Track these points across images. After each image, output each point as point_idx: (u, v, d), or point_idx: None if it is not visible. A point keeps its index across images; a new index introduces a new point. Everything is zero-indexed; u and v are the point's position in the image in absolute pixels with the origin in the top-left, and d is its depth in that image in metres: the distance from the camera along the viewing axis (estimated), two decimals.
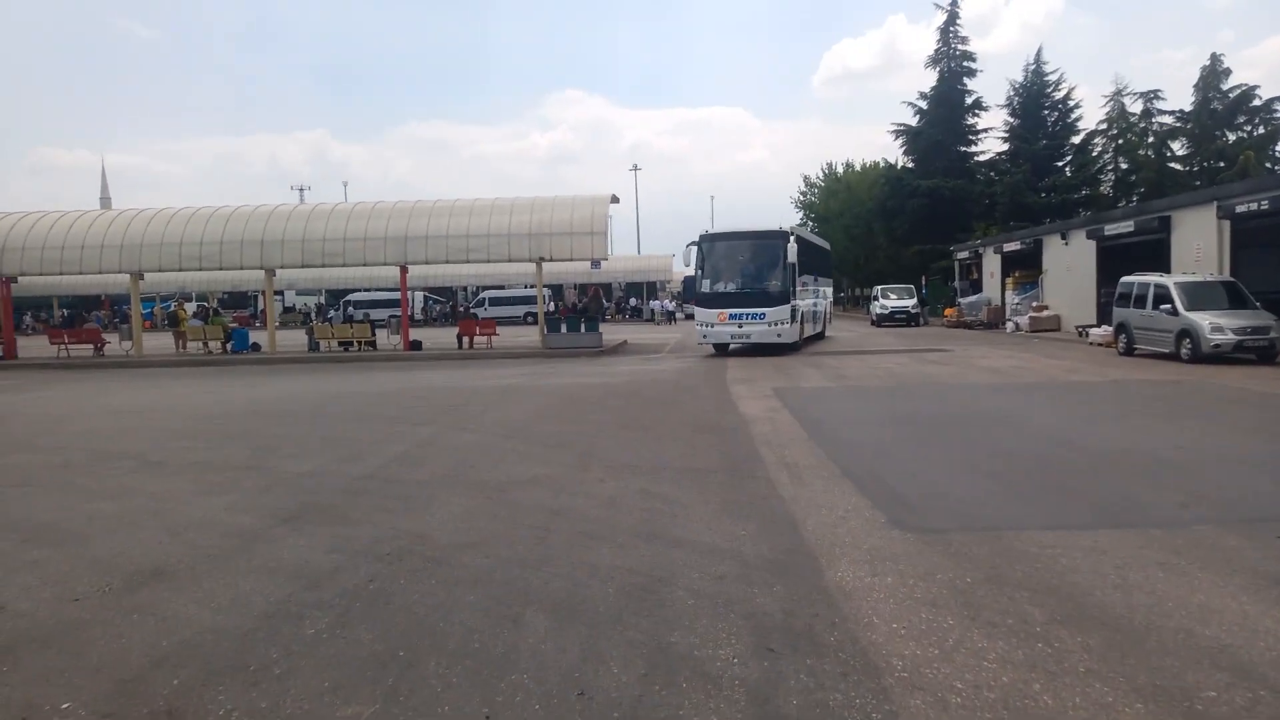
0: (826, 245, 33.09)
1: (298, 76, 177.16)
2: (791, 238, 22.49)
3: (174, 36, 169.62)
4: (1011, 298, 35.16)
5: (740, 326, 22.30)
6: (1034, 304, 32.21)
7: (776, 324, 22.13)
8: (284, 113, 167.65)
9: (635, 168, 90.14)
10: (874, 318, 40.19)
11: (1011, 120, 48.49)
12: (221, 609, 4.52)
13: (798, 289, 23.01)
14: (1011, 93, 48.17)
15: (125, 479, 8.15)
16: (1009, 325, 32.60)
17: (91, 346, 28.17)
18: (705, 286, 23.05)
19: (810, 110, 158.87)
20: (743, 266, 23.10)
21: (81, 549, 5.69)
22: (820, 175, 69.43)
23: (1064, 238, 30.85)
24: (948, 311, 38.60)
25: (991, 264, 38.06)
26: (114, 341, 29.59)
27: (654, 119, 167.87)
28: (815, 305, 27.38)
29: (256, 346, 27.74)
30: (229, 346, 27.55)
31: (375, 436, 10.54)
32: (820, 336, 28.42)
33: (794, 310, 22.61)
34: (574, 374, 18.34)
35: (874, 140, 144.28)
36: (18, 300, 32.75)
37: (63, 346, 27.99)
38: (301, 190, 68.18)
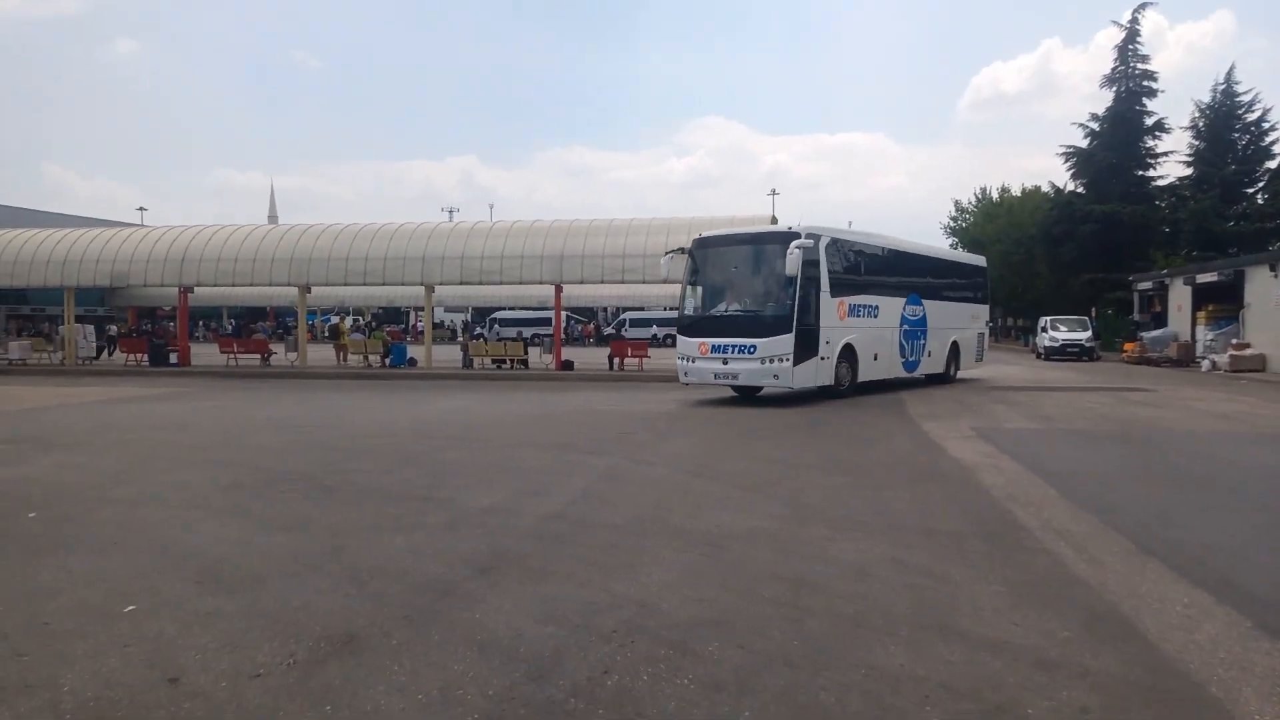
0: (977, 261, 25.47)
1: (451, 106, 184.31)
2: (798, 241, 15.60)
3: (341, 67, 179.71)
4: (1204, 333, 31.78)
5: (725, 363, 16.41)
6: (1233, 341, 28.93)
7: (772, 360, 15.86)
8: (437, 139, 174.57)
9: (774, 192, 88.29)
10: (1041, 351, 37.30)
11: (1196, 143, 44.43)
12: (431, 704, 3.60)
13: (819, 310, 16.39)
14: (1196, 114, 44.16)
15: (298, 506, 7.54)
16: (1204, 363, 29.40)
17: (259, 356, 29.07)
18: (688, 308, 17.45)
19: (953, 135, 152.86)
20: (733, 282, 17.08)
21: (259, 598, 4.96)
22: (973, 200, 66.19)
23: (1274, 270, 27.54)
24: (1127, 346, 35.32)
25: (1179, 296, 34.67)
26: (279, 352, 30.51)
27: (792, 145, 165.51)
28: (962, 332, 22.38)
29: (413, 361, 27.95)
30: (387, 360, 27.84)
31: (551, 466, 9.72)
32: (948, 375, 21.92)
33: (809, 340, 16.17)
34: (734, 402, 17.21)
35: (1024, 165, 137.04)
36: (191, 310, 34.35)
37: (232, 356, 28.99)
38: (451, 212, 70.11)
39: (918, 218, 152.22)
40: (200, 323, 56.09)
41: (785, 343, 15.97)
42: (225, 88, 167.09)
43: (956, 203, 67.95)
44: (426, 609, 4.77)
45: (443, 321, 59.69)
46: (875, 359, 18.46)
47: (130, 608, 4.75)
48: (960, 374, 22.90)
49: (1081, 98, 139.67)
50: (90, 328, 32.48)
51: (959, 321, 22.51)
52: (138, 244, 28.72)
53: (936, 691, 3.68)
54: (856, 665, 3.96)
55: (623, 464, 9.90)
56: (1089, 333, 36.38)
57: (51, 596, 4.98)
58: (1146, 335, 35.01)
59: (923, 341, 20.49)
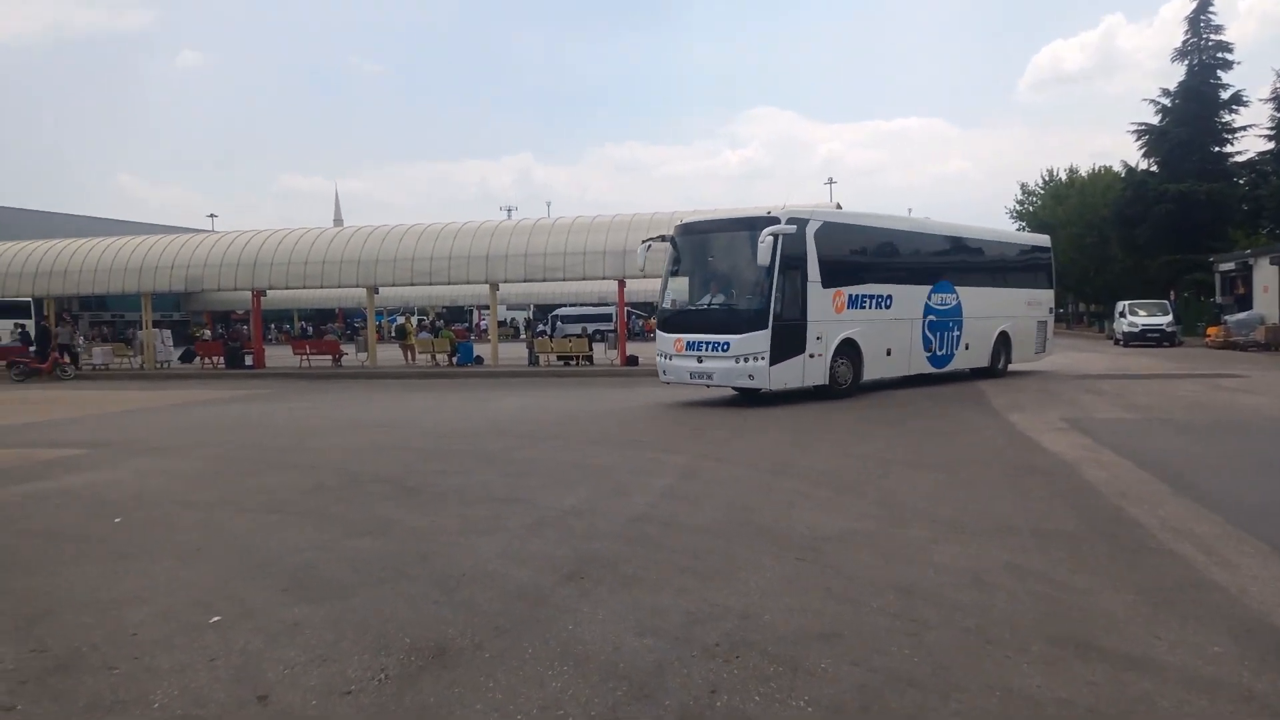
0: (1035, 241, 23.12)
1: (505, 106, 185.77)
2: (771, 228, 13.96)
3: (399, 71, 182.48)
4: None
5: (700, 361, 14.98)
6: None
7: (746, 358, 14.40)
8: (493, 139, 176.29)
9: (830, 181, 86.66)
10: (1119, 337, 35.83)
11: (1279, 114, 42.23)
12: None
13: (806, 303, 14.80)
14: (1279, 84, 41.94)
15: (381, 508, 7.44)
16: None
17: (330, 357, 29.50)
18: (667, 301, 16.13)
19: (1014, 117, 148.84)
20: (710, 273, 15.68)
21: (346, 607, 4.81)
22: (1040, 182, 64.13)
23: None
24: (1210, 331, 33.71)
25: (1266, 277, 33.00)
26: (350, 353, 30.90)
27: (847, 132, 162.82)
28: (1014, 321, 19.99)
29: (480, 359, 28.06)
30: (454, 359, 28.01)
31: (629, 464, 9.49)
32: (995, 368, 19.61)
33: (791, 336, 14.57)
34: (804, 397, 16.77)
35: (1090, 145, 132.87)
36: (263, 312, 35.06)
37: (304, 357, 29.46)
38: (510, 210, 70.31)
39: (981, 202, 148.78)
40: (272, 325, 57.34)
41: (760, 339, 14.35)
42: (288, 95, 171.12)
43: (1023, 185, 65.80)
44: (518, 618, 4.56)
45: (505, 319, 60.13)
46: (888, 354, 16.65)
47: (216, 618, 4.64)
48: (1017, 366, 20.55)
49: (1147, 74, 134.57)
50: (168, 332, 33.36)
51: (1010, 309, 20.05)
52: (210, 249, 29.34)
53: (1085, 718, 3.33)
54: (990, 687, 3.62)
55: (701, 462, 9.63)
56: (1169, 317, 34.85)
57: (137, 604, 4.91)
58: (1231, 319, 33.33)
59: (956, 333, 18.35)
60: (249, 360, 29.39)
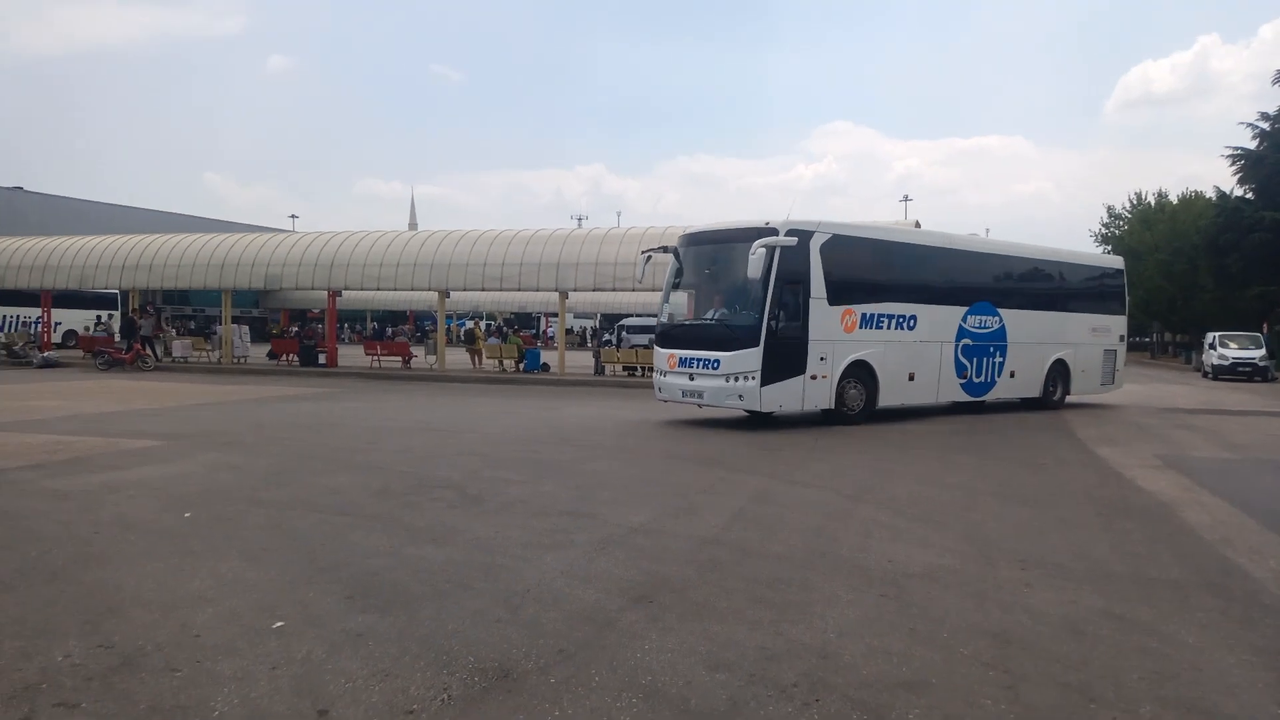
0: (1105, 263, 21.39)
1: (580, 115, 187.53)
2: (765, 240, 13.13)
3: (479, 79, 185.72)
4: None
5: (691, 379, 14.27)
6: None
7: (736, 377, 13.60)
8: (568, 149, 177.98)
9: (906, 199, 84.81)
10: (1208, 370, 34.32)
11: None
12: None
13: (808, 320, 13.86)
14: None
15: (446, 515, 7.34)
16: None
17: (400, 359, 29.89)
18: (665, 315, 15.46)
19: (1099, 138, 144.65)
20: (706, 286, 14.99)
21: (410, 619, 4.68)
22: (1127, 206, 62.05)
23: None
24: None
25: None
26: (419, 355, 31.30)
27: (924, 149, 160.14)
28: (1073, 349, 18.46)
29: (546, 366, 28.12)
30: (521, 365, 28.12)
31: (698, 482, 9.26)
32: (1049, 399, 18.20)
33: (788, 355, 13.71)
34: (885, 417, 16.31)
35: (1180, 169, 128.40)
36: (338, 312, 35.76)
37: (375, 358, 29.90)
38: (580, 219, 70.76)
39: (1061, 224, 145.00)
40: (345, 325, 58.60)
41: (751, 358, 13.50)
42: (371, 101, 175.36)
43: (1109, 208, 63.94)
44: (584, 643, 4.37)
45: (572, 327, 60.39)
46: (910, 379, 15.52)
47: (279, 623, 4.55)
48: (1080, 398, 19.10)
49: (1242, 97, 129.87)
50: (245, 328, 34.22)
51: (1069, 335, 18.58)
52: (290, 249, 30.02)
53: None
54: None
55: (774, 484, 9.35)
56: (1262, 351, 33.28)
57: (202, 604, 4.86)
58: None
59: (999, 359, 17.04)
60: (322, 358, 29.94)
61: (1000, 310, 17.03)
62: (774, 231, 13.51)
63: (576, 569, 5.74)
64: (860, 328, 14.74)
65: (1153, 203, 59.70)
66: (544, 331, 58.60)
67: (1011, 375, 17.39)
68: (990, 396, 17.30)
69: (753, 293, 13.67)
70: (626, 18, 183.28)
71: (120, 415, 14.64)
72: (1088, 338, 19.11)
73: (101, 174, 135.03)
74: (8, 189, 49.86)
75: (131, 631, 4.36)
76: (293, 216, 64.99)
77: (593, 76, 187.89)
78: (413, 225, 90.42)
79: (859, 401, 14.85)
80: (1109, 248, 59.33)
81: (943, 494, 8.84)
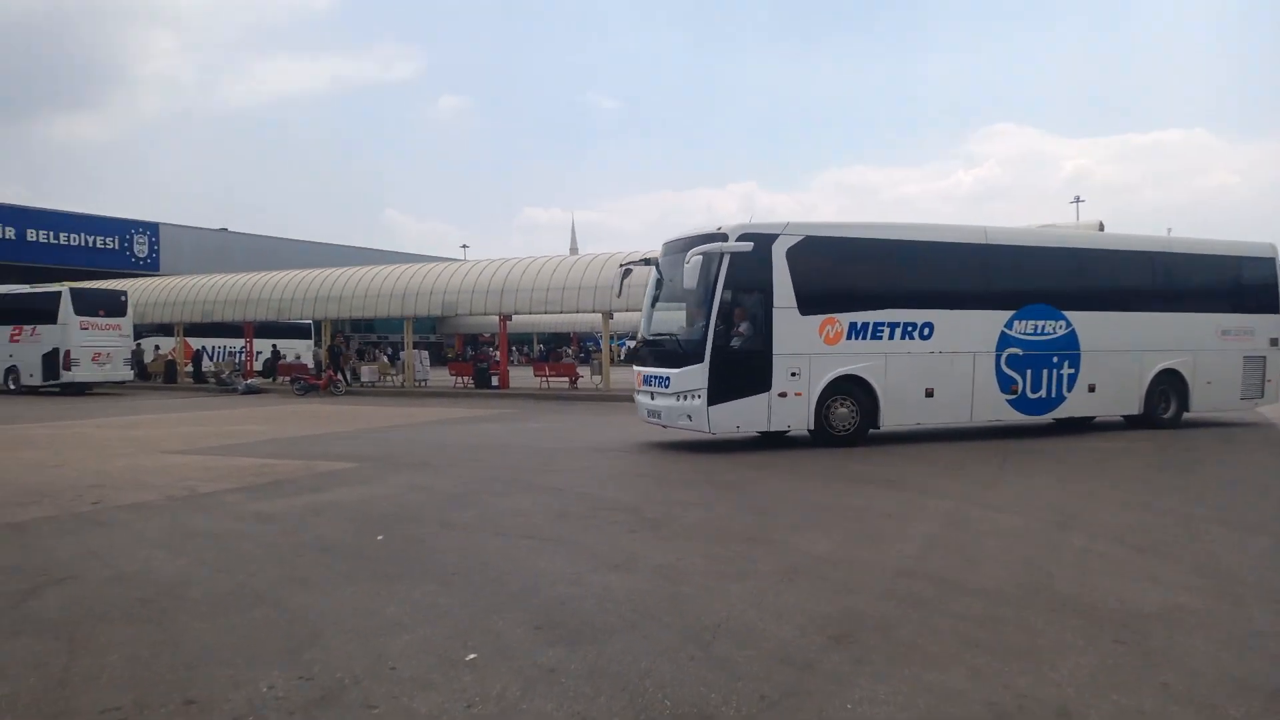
0: (1246, 251, 16.79)
1: (731, 133, 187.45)
2: (704, 247, 12.41)
3: (631, 105, 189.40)
4: None
5: (652, 398, 13.59)
6: None
7: (684, 396, 12.77)
8: (719, 167, 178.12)
9: (1077, 199, 78.64)
10: None
11: None
12: None
13: (772, 332, 12.76)
14: None
15: (626, 540, 7.21)
16: None
17: (567, 379, 30.51)
18: (643, 327, 14.63)
19: None
20: (668, 299, 13.99)
21: (600, 654, 4.52)
22: None
23: None
24: None
25: None
26: (585, 375, 31.86)
27: (1095, 147, 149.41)
28: (1191, 356, 15.65)
29: None
30: None
31: (881, 506, 8.74)
32: (1154, 417, 15.53)
33: (740, 371, 12.68)
34: (1070, 430, 15.08)
35: None
36: (508, 336, 36.97)
37: (544, 379, 30.66)
38: None
39: (1252, 221, 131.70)
40: (513, 348, 60.70)
41: (696, 375, 12.57)
42: (532, 132, 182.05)
43: None
44: (786, 688, 4.06)
45: None
46: (929, 395, 13.81)
47: (472, 655, 4.49)
48: (1208, 414, 16.33)
49: None
50: (425, 353, 35.96)
51: (1184, 339, 15.69)
52: (463, 277, 31.32)
53: None
54: None
55: (966, 507, 8.72)
56: None
57: (397, 632, 4.88)
58: None
59: (1069, 370, 14.76)
60: (495, 380, 30.99)
61: (1066, 313, 14.73)
62: (723, 237, 12.60)
63: (764, 601, 5.43)
64: (848, 339, 13.30)
65: None
66: None
67: (1090, 389, 14.95)
68: (1057, 414, 15.14)
69: (699, 304, 12.81)
70: (772, 32, 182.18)
71: (316, 439, 15.53)
72: (1215, 342, 15.99)
73: (295, 213, 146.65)
74: (215, 230, 54.73)
75: (330, 661, 4.40)
76: (464, 246, 68.30)
77: (741, 94, 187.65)
78: (573, 250, 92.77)
79: (850, 421, 13.37)
80: None
81: (1159, 520, 7.98)
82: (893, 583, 5.86)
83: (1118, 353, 15.15)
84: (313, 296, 33.39)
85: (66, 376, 28.97)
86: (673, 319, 13.81)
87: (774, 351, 12.84)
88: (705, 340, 12.55)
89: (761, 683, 4.12)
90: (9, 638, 4.83)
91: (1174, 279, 16.01)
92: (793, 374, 12.95)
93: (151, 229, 48.63)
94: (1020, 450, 13.27)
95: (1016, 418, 14.62)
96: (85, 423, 18.91)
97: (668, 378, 13.12)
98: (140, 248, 47.78)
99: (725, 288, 12.51)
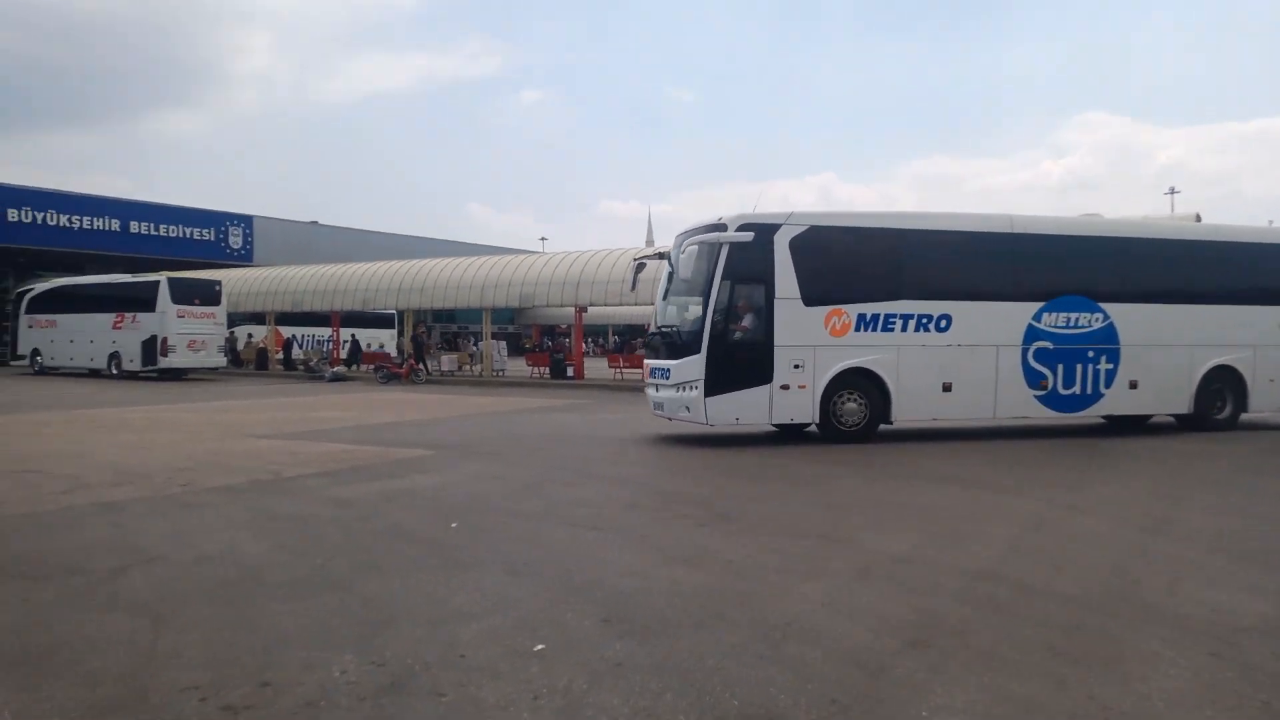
0: None
1: (809, 124, 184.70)
2: (698, 237, 12.65)
3: (708, 97, 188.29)
4: None
5: (657, 390, 13.56)
6: None
7: (682, 387, 12.70)
8: (796, 159, 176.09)
9: (1171, 191, 74.88)
10: None
11: None
12: None
13: (772, 323, 12.56)
14: None
15: (694, 534, 7.15)
16: None
17: (640, 371, 30.52)
18: (656, 320, 14.46)
19: None
20: (673, 290, 13.76)
21: (667, 649, 4.48)
22: None
23: None
24: None
25: None
26: None
27: (1192, 136, 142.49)
28: (1250, 352, 14.57)
29: None
30: None
31: (959, 506, 8.50)
32: (1206, 417, 14.54)
33: (739, 363, 12.57)
34: (1161, 430, 14.41)
35: None
36: (583, 327, 37.20)
37: (618, 370, 30.76)
38: None
39: None
40: (590, 339, 61.06)
41: (694, 366, 12.48)
42: (610, 126, 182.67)
43: None
44: (858, 692, 3.95)
45: None
46: (946, 390, 13.30)
47: (539, 646, 4.50)
48: (1273, 414, 15.16)
49: None
50: (503, 343, 36.45)
51: (1240, 333, 14.59)
52: (540, 269, 31.63)
53: None
54: None
55: (1049, 509, 8.40)
56: None
57: (467, 621, 4.92)
58: None
59: (1108, 365, 13.94)
60: (570, 371, 31.23)
61: (1104, 305, 13.94)
62: (722, 227, 12.52)
63: (837, 601, 5.31)
64: (856, 330, 12.96)
65: None
66: None
67: (1132, 386, 14.09)
68: (1094, 412, 14.31)
69: (697, 295, 12.72)
70: (854, 21, 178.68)
71: (395, 426, 15.87)
72: (1276, 336, 14.79)
73: (381, 205, 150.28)
74: (305, 223, 56.44)
75: (401, 648, 4.46)
76: (542, 239, 69.29)
77: (821, 84, 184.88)
78: (649, 242, 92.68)
79: (859, 416, 13.07)
80: None
81: (1257, 526, 7.59)
82: (971, 586, 5.67)
83: (1163, 348, 14.27)
84: (396, 287, 34.16)
85: (164, 362, 30.27)
86: (680, 311, 13.74)
87: (776, 343, 12.67)
88: (702, 331, 12.49)
89: (832, 685, 4.02)
90: (102, 613, 5.04)
91: (1229, 269, 14.94)
92: (796, 366, 12.74)
93: (246, 221, 50.38)
94: (1102, 451, 12.76)
95: (1047, 415, 13.96)
96: (179, 407, 19.72)
97: (668, 369, 13.12)
98: (235, 239, 49.55)
99: (724, 278, 12.42)
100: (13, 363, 36.27)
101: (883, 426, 13.37)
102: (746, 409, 12.75)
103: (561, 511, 8.15)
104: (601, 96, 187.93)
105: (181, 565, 6.13)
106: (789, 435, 13.84)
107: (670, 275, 13.80)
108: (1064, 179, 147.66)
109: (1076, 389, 13.92)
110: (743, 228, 12.56)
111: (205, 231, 48.28)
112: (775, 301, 12.64)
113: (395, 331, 43.87)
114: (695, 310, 12.89)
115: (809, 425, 13.22)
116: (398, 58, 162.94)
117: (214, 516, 7.80)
